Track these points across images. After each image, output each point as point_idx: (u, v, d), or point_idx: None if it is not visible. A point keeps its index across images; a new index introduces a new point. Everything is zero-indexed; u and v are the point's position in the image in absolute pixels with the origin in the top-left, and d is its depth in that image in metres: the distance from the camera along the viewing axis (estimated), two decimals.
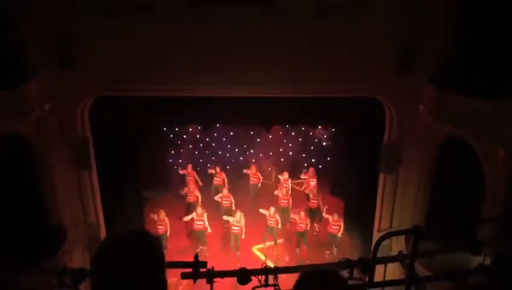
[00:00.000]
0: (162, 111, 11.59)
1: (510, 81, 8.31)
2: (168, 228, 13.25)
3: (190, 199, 14.46)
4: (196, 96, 10.87)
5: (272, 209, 13.63)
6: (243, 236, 13.51)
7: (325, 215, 13.80)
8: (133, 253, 2.06)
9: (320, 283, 2.43)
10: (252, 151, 17.36)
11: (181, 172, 15.54)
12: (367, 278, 5.40)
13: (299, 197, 15.45)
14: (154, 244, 2.15)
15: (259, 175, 15.70)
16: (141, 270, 2.03)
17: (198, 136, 17.24)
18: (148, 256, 2.09)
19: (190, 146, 17.31)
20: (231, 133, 17.15)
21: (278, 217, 13.61)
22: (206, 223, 13.40)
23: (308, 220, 13.77)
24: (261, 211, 13.80)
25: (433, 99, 9.57)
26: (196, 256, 5.70)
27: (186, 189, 14.65)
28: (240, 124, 14.37)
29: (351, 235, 13.88)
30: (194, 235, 13.72)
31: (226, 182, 15.49)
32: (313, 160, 17.23)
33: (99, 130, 11.06)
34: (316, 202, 14.57)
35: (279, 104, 11.33)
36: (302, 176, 15.86)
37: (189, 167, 15.52)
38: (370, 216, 12.16)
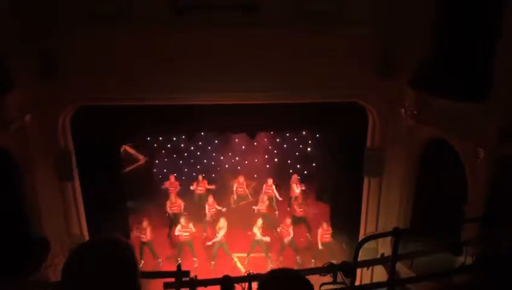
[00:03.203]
0: (145, 120, 11.52)
1: (489, 82, 8.42)
2: (149, 235, 13.03)
3: (174, 210, 14.27)
4: (179, 105, 10.83)
5: (260, 221, 13.36)
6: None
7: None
8: (102, 261, 2.03)
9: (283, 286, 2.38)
10: (237, 158, 17.21)
11: (164, 186, 15.14)
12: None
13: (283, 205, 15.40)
14: (124, 252, 2.11)
15: (245, 187, 15.29)
16: (110, 278, 2.00)
17: (182, 145, 17.11)
18: (118, 264, 2.06)
19: (174, 155, 17.16)
20: (216, 141, 17.04)
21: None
22: (193, 229, 13.23)
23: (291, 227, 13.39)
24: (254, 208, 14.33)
25: (414, 102, 9.66)
26: (179, 265, 5.67)
27: (168, 202, 14.34)
28: (224, 131, 14.30)
29: (338, 240, 13.85)
30: (182, 246, 13.34)
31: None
32: (298, 166, 17.18)
33: (82, 140, 10.96)
34: (302, 210, 14.26)
35: (263, 111, 11.34)
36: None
37: (172, 177, 15.19)
38: (356, 220, 12.18)
